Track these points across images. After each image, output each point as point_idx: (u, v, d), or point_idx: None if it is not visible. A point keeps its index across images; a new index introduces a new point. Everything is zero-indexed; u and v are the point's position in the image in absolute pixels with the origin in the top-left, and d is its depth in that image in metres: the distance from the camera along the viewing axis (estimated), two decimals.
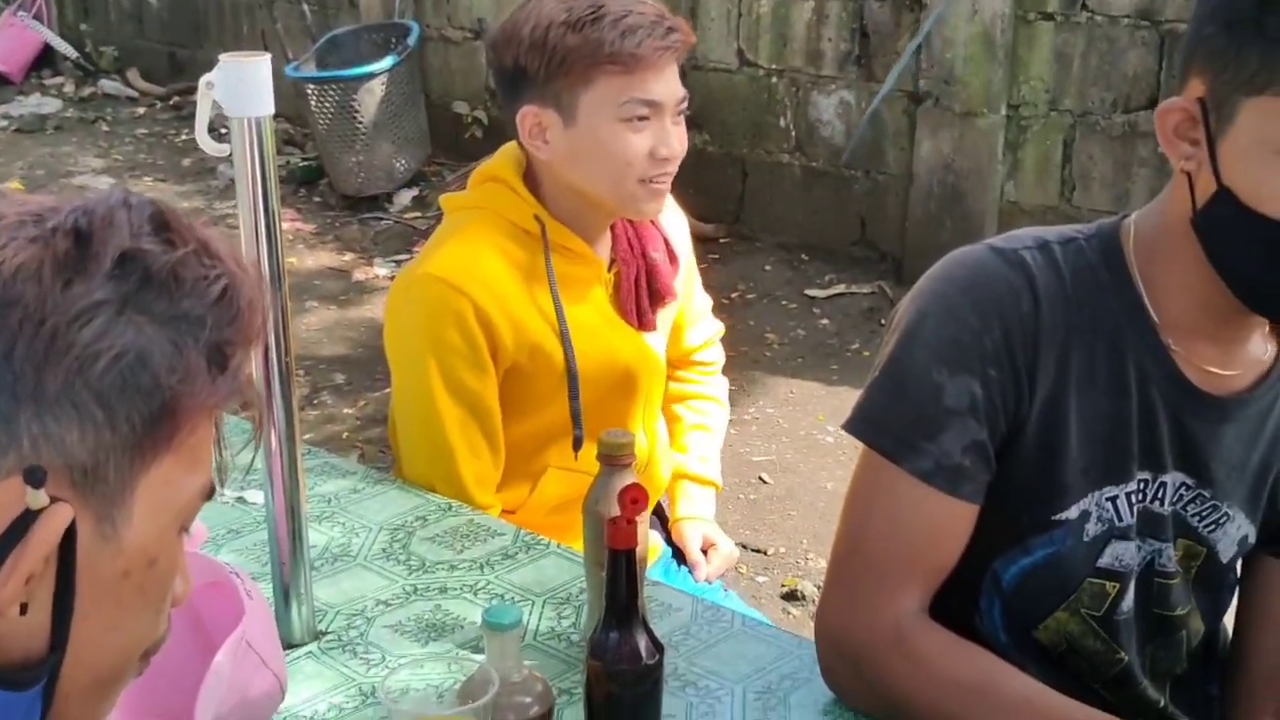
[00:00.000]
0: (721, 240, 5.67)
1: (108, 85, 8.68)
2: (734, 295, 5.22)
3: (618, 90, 1.81)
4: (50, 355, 0.76)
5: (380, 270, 5.64)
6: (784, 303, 5.25)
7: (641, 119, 1.84)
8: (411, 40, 6.27)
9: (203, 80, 1.33)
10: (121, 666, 0.88)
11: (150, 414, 0.80)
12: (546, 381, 1.90)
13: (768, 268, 5.52)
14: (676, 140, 1.88)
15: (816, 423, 4.27)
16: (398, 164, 6.35)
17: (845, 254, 5.51)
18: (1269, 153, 1.21)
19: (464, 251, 1.86)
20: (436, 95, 6.77)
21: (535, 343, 1.87)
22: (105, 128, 8.06)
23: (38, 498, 0.77)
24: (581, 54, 1.79)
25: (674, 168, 1.90)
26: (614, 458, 1.45)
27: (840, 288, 5.32)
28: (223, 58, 1.32)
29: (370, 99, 6.12)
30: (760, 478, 3.94)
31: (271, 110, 1.35)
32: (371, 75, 6.09)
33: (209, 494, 0.87)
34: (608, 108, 1.82)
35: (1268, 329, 1.43)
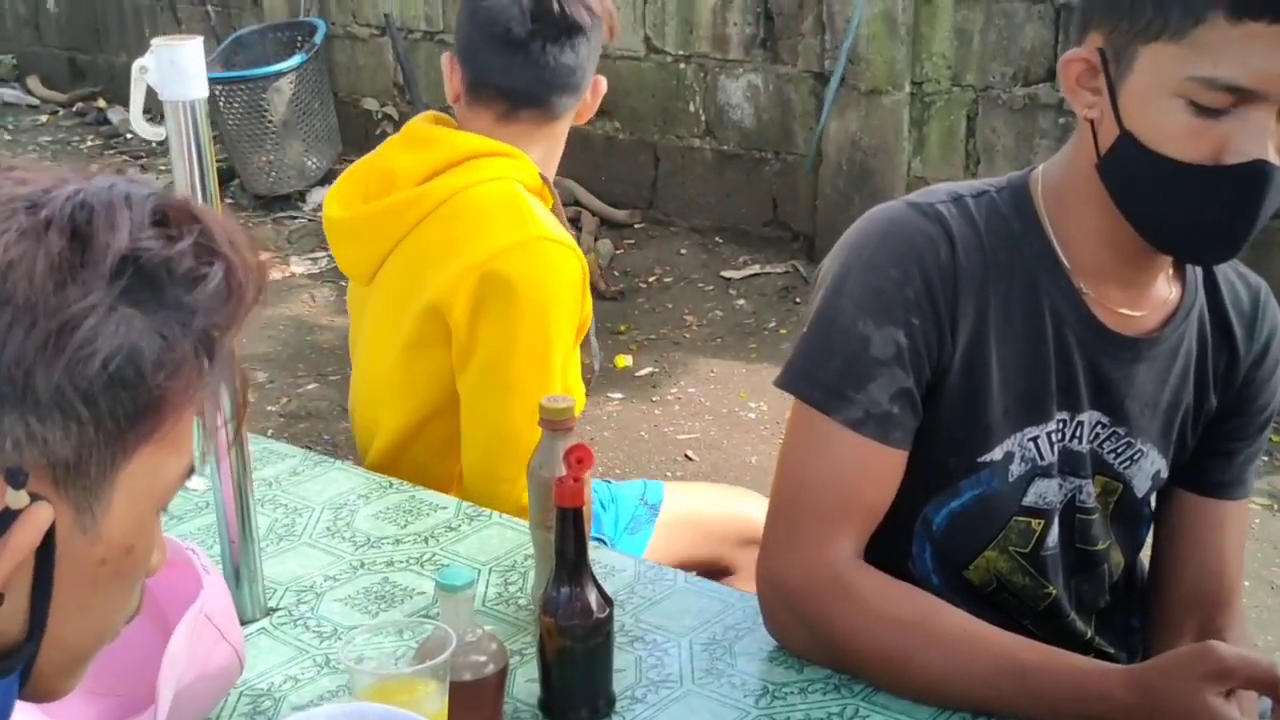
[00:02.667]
0: (636, 226, 5.71)
1: (7, 93, 8.53)
2: (651, 279, 5.27)
3: None
4: (40, 360, 0.74)
5: (297, 268, 5.61)
6: (701, 285, 5.31)
7: None
8: (318, 38, 6.25)
9: (136, 65, 1.35)
10: (97, 643, 0.89)
11: (136, 410, 0.78)
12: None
13: (683, 251, 5.57)
14: None
15: (738, 400, 4.33)
16: (309, 162, 6.33)
17: (758, 235, 5.58)
18: (1166, 96, 1.28)
19: (548, 218, 1.89)
20: (345, 93, 6.75)
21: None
22: (7, 136, 7.92)
23: (18, 498, 0.76)
24: None
25: None
26: (555, 422, 1.49)
27: (755, 268, 5.39)
28: (155, 41, 1.34)
29: (279, 98, 6.09)
30: (686, 455, 3.99)
31: (205, 93, 1.37)
32: (279, 74, 6.06)
33: (189, 474, 0.87)
34: None
35: (1171, 271, 1.50)
